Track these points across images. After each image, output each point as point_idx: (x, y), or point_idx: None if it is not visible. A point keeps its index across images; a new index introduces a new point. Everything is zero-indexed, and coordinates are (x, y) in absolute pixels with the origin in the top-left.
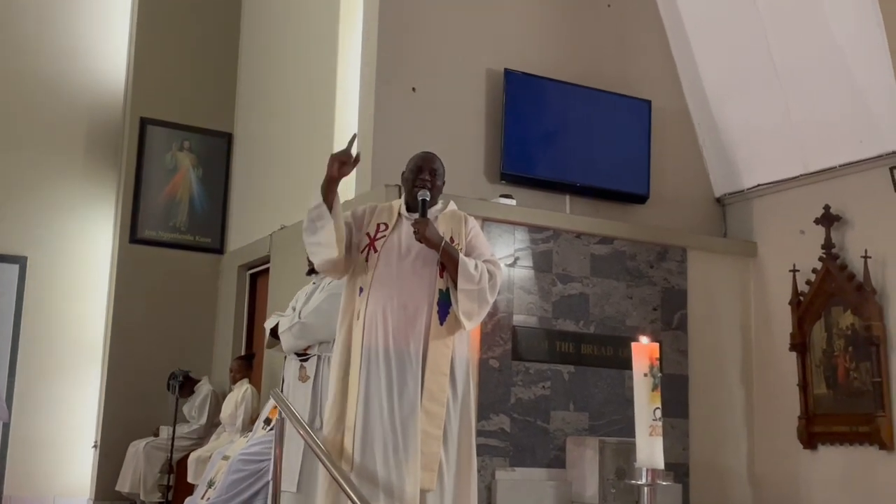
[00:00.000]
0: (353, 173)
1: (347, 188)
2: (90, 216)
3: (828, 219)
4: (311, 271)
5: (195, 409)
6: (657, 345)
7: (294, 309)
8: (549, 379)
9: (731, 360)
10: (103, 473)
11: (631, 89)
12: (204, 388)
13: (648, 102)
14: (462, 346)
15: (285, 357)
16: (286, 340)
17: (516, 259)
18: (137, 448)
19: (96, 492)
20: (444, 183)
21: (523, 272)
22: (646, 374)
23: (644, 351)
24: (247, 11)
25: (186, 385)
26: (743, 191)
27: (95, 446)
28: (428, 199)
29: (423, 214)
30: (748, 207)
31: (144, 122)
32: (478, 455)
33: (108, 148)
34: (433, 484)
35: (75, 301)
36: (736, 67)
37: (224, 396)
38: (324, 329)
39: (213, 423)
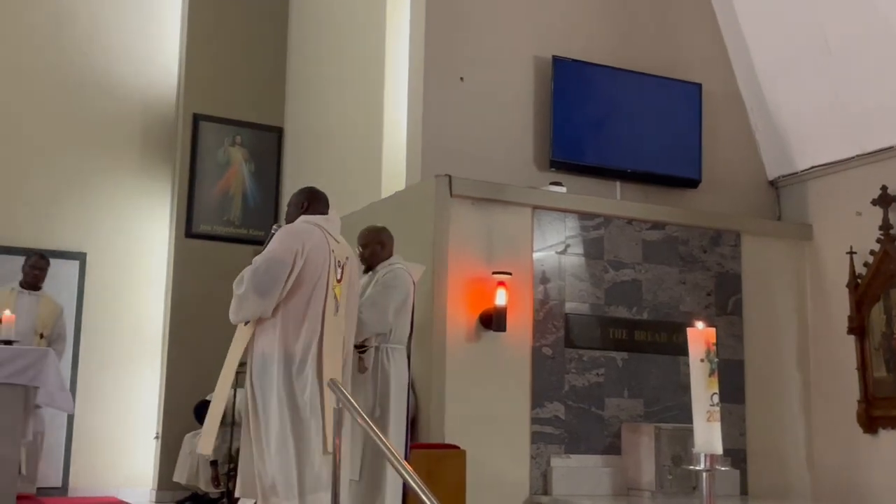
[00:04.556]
0: (403, 164)
1: (398, 180)
2: (146, 212)
3: (885, 199)
4: (368, 269)
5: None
6: (713, 329)
7: None
8: (602, 366)
9: (787, 345)
10: (165, 464)
11: (681, 73)
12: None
13: (699, 85)
14: (261, 341)
15: None
16: None
17: (567, 246)
18: (193, 440)
19: (159, 482)
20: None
21: (574, 259)
22: (702, 360)
23: (700, 336)
24: (295, 6)
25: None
26: (797, 173)
27: (157, 437)
28: (273, 230)
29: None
30: (803, 190)
31: (197, 119)
32: (532, 442)
33: (162, 144)
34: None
35: (134, 295)
36: (788, 47)
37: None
38: (378, 322)
39: None
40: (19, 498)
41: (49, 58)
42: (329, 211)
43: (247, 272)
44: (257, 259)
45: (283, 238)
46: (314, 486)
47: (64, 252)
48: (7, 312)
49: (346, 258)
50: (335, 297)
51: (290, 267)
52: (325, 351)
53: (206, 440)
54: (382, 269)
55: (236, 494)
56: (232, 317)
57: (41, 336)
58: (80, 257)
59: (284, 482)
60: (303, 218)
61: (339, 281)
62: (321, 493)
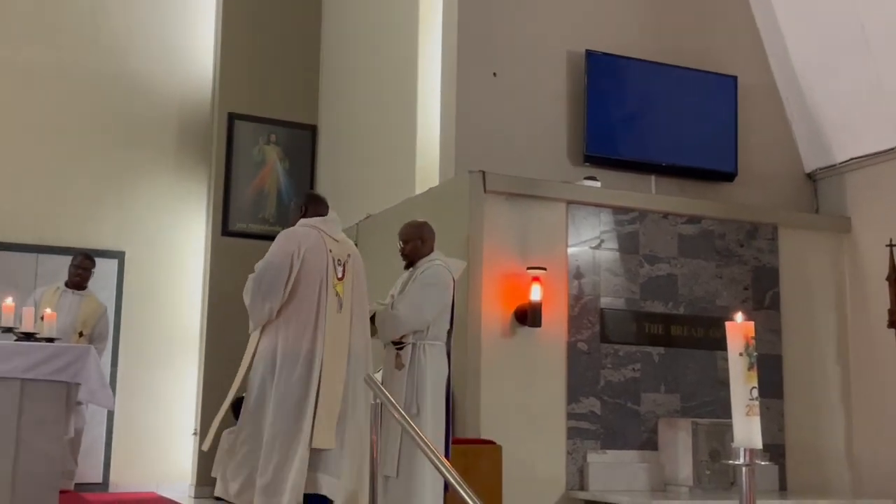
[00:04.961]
0: (436, 160)
1: (431, 176)
2: (183, 211)
3: None
4: (409, 265)
5: None
6: (752, 323)
7: (392, 296)
8: (638, 361)
9: (826, 339)
10: (204, 460)
11: (716, 65)
12: None
13: (734, 78)
14: (263, 342)
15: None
16: (380, 332)
17: (602, 241)
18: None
19: (197, 478)
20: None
21: (609, 254)
22: (741, 354)
23: (739, 330)
24: (328, 4)
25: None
26: (835, 165)
27: (195, 434)
28: None
29: None
30: (841, 182)
31: (232, 118)
32: (568, 438)
33: (198, 144)
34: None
35: (172, 293)
36: (825, 37)
37: None
38: (414, 320)
39: None
40: (60, 493)
41: (86, 59)
42: (329, 212)
43: (250, 281)
44: (257, 266)
45: (280, 242)
46: (299, 485)
47: (103, 251)
48: (48, 310)
49: (348, 255)
50: (337, 294)
51: (289, 269)
52: (328, 348)
53: (206, 438)
54: (422, 265)
55: (217, 494)
56: (251, 326)
57: (80, 334)
58: (119, 256)
59: (269, 480)
60: (301, 221)
61: (340, 279)
62: (299, 493)
